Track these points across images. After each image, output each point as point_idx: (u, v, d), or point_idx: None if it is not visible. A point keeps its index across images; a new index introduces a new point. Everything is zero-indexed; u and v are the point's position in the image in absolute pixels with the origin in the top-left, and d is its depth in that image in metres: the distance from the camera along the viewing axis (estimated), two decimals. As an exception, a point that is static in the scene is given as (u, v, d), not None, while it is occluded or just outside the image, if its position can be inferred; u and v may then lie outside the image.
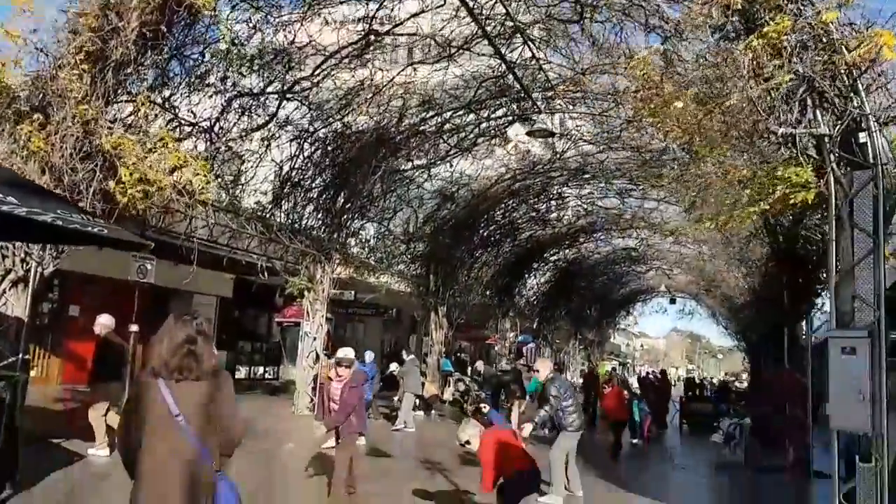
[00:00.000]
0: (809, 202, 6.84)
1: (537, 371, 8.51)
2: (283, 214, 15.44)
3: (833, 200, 6.71)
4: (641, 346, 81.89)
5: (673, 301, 42.80)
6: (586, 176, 19.88)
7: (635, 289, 41.41)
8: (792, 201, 6.86)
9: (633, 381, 28.07)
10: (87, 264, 16.68)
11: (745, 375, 69.16)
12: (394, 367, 16.82)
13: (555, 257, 29.85)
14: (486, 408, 12.93)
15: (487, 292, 27.19)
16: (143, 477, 3.34)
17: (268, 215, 15.13)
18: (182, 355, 3.44)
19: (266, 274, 15.61)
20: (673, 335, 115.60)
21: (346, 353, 7.65)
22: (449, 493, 8.42)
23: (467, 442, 5.80)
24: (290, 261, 16.08)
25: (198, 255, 13.62)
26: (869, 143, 6.60)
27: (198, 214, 12.91)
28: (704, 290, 35.16)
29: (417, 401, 16.31)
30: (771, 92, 7.13)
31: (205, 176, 11.97)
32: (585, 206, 23.51)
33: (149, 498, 3.33)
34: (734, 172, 8.91)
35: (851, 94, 6.76)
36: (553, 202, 22.68)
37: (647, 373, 45.94)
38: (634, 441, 14.95)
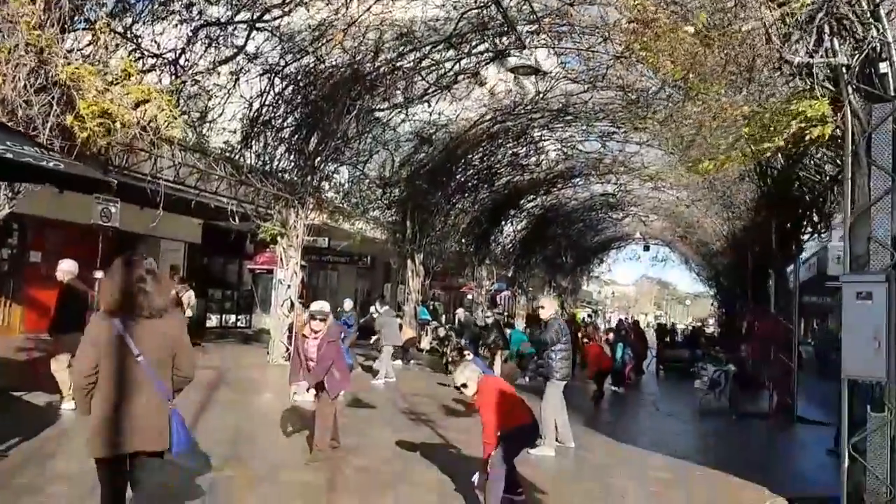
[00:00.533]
0: (826, 137, 6.38)
1: (542, 307, 8.03)
2: (253, 155, 14.64)
3: (849, 136, 6.25)
4: (613, 293, 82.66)
5: (647, 248, 42.96)
6: (568, 118, 19.28)
7: (610, 236, 41.36)
8: (808, 137, 6.39)
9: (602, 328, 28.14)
10: (47, 208, 15.85)
11: (711, 321, 70.60)
12: (374, 310, 16.28)
13: (532, 204, 29.39)
14: (469, 354, 12.58)
15: (464, 240, 26.78)
16: (104, 413, 3.49)
17: (237, 156, 14.33)
18: (133, 294, 3.55)
19: (236, 219, 14.92)
20: (643, 282, 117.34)
21: (321, 306, 7.10)
22: (435, 445, 8.07)
23: (464, 385, 5.39)
24: (261, 205, 15.35)
25: (164, 198, 12.88)
26: (890, 75, 6.13)
27: (163, 154, 12.13)
28: (680, 236, 35.21)
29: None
30: (786, 18, 6.61)
31: (170, 111, 11.23)
32: (565, 151, 22.98)
33: (109, 431, 3.47)
34: (733, 110, 8.41)
35: (872, 21, 6.25)
36: (533, 146, 22.08)
37: (621, 319, 46.46)
38: (616, 388, 14.82)
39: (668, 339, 25.66)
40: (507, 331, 16.43)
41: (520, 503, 5.65)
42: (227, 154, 14.06)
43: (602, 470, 7.25)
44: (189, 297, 17.79)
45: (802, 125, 6.39)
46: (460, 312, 20.01)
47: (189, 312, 19.33)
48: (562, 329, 8.11)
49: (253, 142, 14.46)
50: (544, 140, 21.87)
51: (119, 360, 3.53)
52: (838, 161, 9.22)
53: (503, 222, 29.23)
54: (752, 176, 15.11)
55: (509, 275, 34.40)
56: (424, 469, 6.67)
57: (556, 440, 7.83)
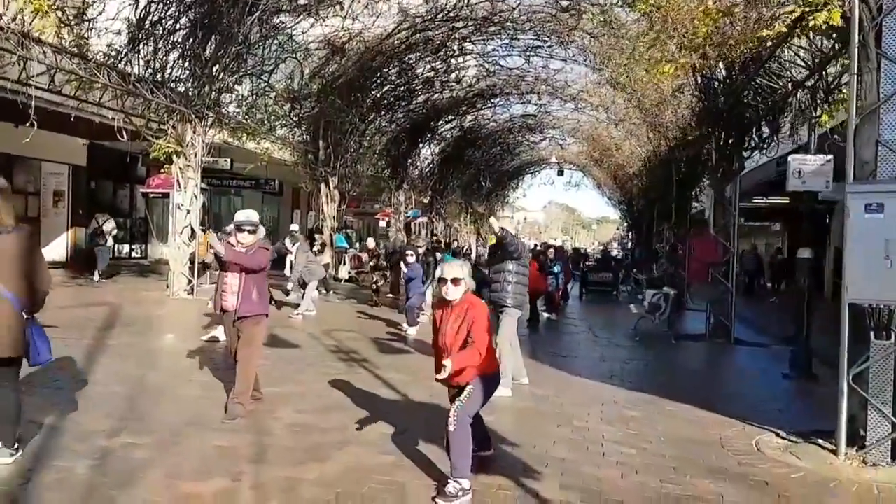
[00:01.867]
0: (829, 23, 5.49)
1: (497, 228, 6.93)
2: (142, 62, 12.59)
3: (856, 22, 5.38)
4: (525, 218, 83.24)
5: (561, 173, 42.77)
6: (492, 28, 17.96)
7: (526, 160, 40.80)
8: (810, 23, 5.48)
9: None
10: None
11: (615, 244, 72.55)
12: (289, 242, 14.80)
13: (450, 125, 28.11)
14: (411, 259, 11.57)
15: (380, 163, 25.30)
16: None
17: (123, 63, 12.26)
18: None
19: (125, 136, 12.94)
20: (551, 207, 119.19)
21: (249, 215, 5.77)
22: (377, 391, 7.06)
23: (455, 280, 4.30)
24: (153, 119, 13.40)
25: (39, 112, 10.87)
26: (904, -49, 5.26)
27: (34, 57, 10.04)
28: (595, 160, 34.99)
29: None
30: None
31: (40, 4, 9.35)
32: (487, 67, 21.72)
33: None
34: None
35: None
36: (452, 60, 20.63)
37: (535, 244, 46.54)
38: (549, 315, 14.20)
39: (586, 264, 25.52)
40: (439, 255, 15.33)
41: (488, 458, 4.73)
42: (112, 60, 11.97)
43: (567, 410, 6.44)
44: (112, 225, 17.09)
45: (806, 9, 5.48)
46: (370, 242, 18.68)
47: (110, 241, 17.49)
48: (523, 247, 7.18)
49: (141, 46, 12.39)
50: (465, 54, 20.47)
51: None
52: (811, 60, 8.52)
53: (421, 144, 27.89)
54: (689, 91, 14.49)
55: (425, 200, 33.25)
56: (370, 422, 5.63)
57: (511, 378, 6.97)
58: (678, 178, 18.75)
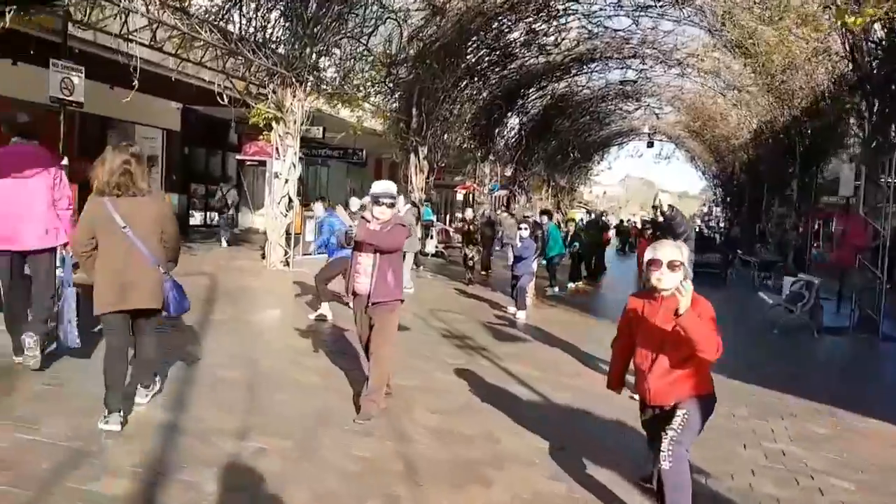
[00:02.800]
0: None
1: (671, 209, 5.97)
2: (243, 20, 12.04)
3: None
4: (604, 193, 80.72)
5: (651, 144, 40.78)
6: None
7: (614, 131, 39.04)
8: None
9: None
10: (3, 85, 13.39)
11: (698, 221, 69.43)
12: (398, 208, 13.95)
13: (542, 92, 26.82)
14: (525, 233, 10.69)
15: (468, 132, 24.34)
16: (105, 277, 4.14)
17: (224, 20, 11.74)
18: (120, 174, 4.09)
19: (224, 98, 12.49)
20: (627, 181, 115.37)
21: (387, 186, 5.02)
22: (512, 386, 6.30)
23: (676, 265, 3.36)
24: (253, 82, 12.88)
25: (139, 73, 10.47)
26: None
27: (134, 7, 9.57)
28: (694, 131, 33.04)
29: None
30: None
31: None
32: (589, 28, 20.37)
33: (111, 293, 4.13)
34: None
35: None
36: (554, 21, 19.38)
37: (622, 220, 44.82)
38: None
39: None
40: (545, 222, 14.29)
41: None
42: (213, 17, 11.45)
43: (745, 425, 5.49)
44: (234, 195, 18.33)
45: None
46: (469, 213, 17.46)
47: (232, 211, 17.85)
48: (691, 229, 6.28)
49: (243, 3, 11.82)
50: (569, 14, 19.18)
51: (108, 233, 4.11)
52: None
53: (509, 114, 26.74)
54: (830, 56, 12.96)
55: (507, 174, 32.10)
56: (517, 432, 4.86)
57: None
58: (802, 149, 17.12)
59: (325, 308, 8.52)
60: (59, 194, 5.31)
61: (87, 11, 9.53)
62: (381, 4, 14.80)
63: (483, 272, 15.89)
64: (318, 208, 9.46)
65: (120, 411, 4.23)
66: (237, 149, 22.35)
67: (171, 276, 4.43)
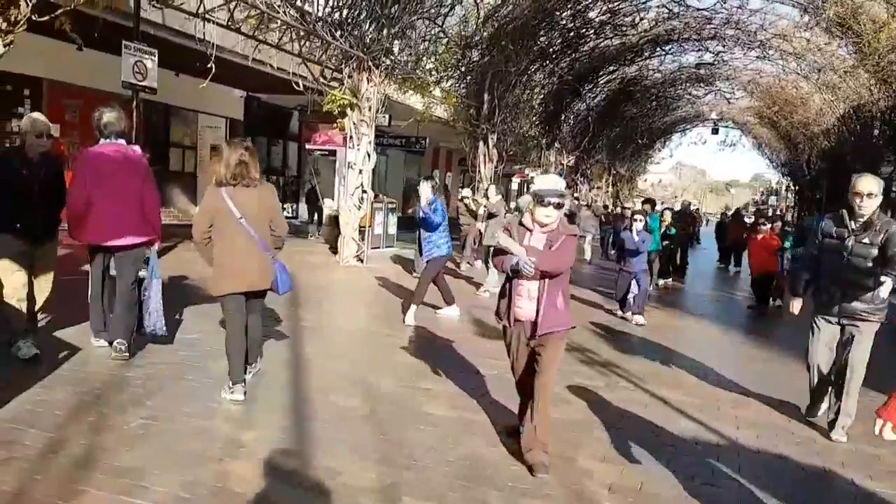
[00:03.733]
0: None
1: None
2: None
3: None
4: (659, 181, 78.28)
5: (716, 131, 39.03)
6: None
7: (679, 117, 37.36)
8: None
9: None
10: (69, 72, 12.94)
11: (749, 210, 66.98)
12: (485, 199, 12.73)
13: (612, 76, 25.52)
14: (640, 225, 9.47)
15: (534, 119, 23.21)
16: (222, 262, 4.56)
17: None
18: (236, 165, 4.47)
19: (300, 84, 11.72)
20: (678, 169, 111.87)
21: (555, 182, 4.00)
22: (672, 422, 5.32)
23: None
24: (329, 66, 12.08)
25: (207, 60, 9.74)
26: None
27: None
28: (767, 117, 31.29)
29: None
30: None
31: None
32: (669, 8, 19.05)
33: (229, 276, 4.56)
34: None
35: None
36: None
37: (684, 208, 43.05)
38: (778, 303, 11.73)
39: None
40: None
41: None
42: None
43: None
44: None
45: None
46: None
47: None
48: None
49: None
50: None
51: (225, 221, 4.51)
52: None
53: (577, 99, 25.51)
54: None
55: (567, 162, 30.81)
56: (730, 482, 3.90)
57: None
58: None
59: (410, 315, 7.68)
60: (149, 193, 5.37)
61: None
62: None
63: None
64: (427, 189, 7.90)
65: (244, 381, 4.71)
66: (298, 138, 21.72)
67: (279, 260, 4.84)
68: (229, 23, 9.74)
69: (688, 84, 29.15)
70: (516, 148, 23.79)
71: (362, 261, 12.82)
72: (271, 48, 11.86)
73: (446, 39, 15.15)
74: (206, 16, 9.31)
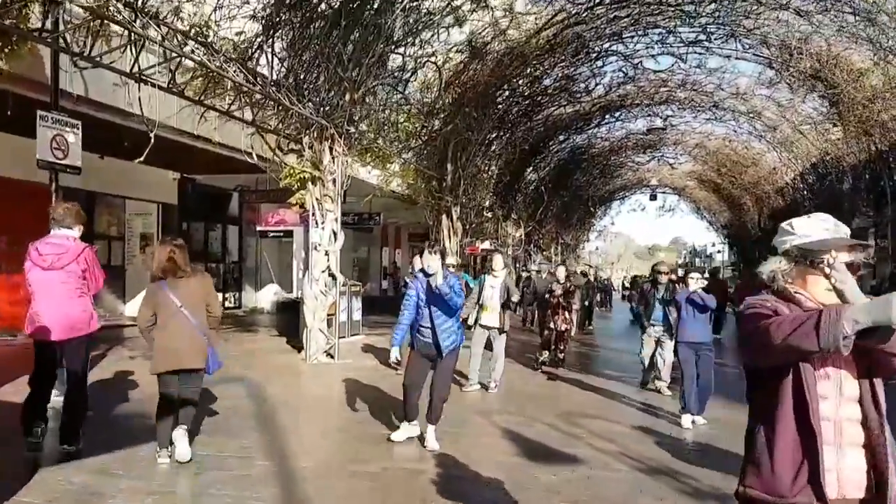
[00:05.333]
0: None
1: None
2: (274, 59, 9.77)
3: None
4: (596, 248, 78.84)
5: (654, 197, 39.46)
6: (659, 17, 14.77)
7: (619, 185, 37.44)
8: None
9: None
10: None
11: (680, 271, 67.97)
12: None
13: (562, 145, 25.02)
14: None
15: (491, 189, 22.21)
16: (163, 346, 5.11)
17: (254, 61, 9.48)
18: (166, 261, 5.08)
19: (254, 157, 10.14)
20: (606, 235, 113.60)
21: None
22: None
23: None
24: (286, 135, 10.55)
25: (137, 138, 8.10)
26: None
27: (151, 36, 7.21)
28: (714, 179, 31.45)
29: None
30: None
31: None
32: (625, 71, 18.57)
33: (168, 359, 5.10)
34: None
35: None
36: (594, 62, 17.57)
37: (636, 276, 42.82)
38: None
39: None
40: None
41: None
42: (240, 52, 9.17)
43: None
44: None
45: None
46: (561, 271, 13.09)
47: None
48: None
49: (276, 37, 9.59)
50: (608, 55, 17.35)
51: (165, 310, 5.10)
52: None
53: (530, 168, 24.80)
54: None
55: (518, 233, 29.88)
56: None
57: None
58: (893, 186, 15.18)
59: (431, 436, 5.91)
60: (91, 282, 5.54)
61: (88, 42, 7.11)
62: (420, 44, 12.72)
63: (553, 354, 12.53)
64: (435, 262, 5.93)
65: (169, 447, 5.14)
66: (239, 221, 19.93)
67: (211, 344, 5.28)
68: (170, 85, 8.11)
69: (632, 151, 29.11)
70: (475, 220, 22.69)
71: (333, 356, 10.98)
72: (215, 121, 10.32)
73: (409, 107, 13.91)
74: (143, 76, 7.65)
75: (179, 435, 5.15)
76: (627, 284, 40.35)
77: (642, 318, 9.16)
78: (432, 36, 12.59)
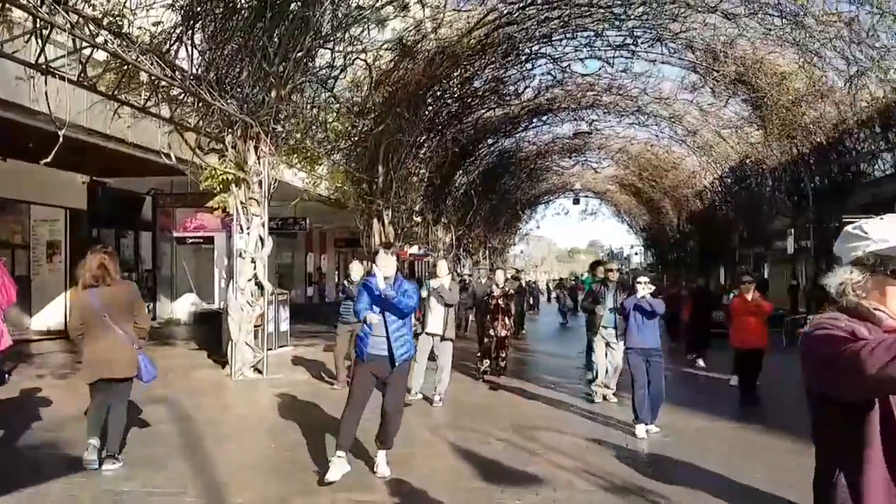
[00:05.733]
0: None
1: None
2: (194, 52, 9.03)
3: None
4: (521, 252, 79.66)
5: (577, 201, 39.99)
6: (587, 20, 14.74)
7: (543, 189, 37.76)
8: None
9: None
10: None
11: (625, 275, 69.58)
12: (437, 283, 8.65)
13: (491, 148, 24.89)
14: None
15: (421, 193, 21.78)
16: (89, 354, 5.23)
17: (172, 53, 8.71)
18: (97, 268, 5.15)
19: (172, 158, 9.37)
20: (528, 238, 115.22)
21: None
22: None
23: None
24: (207, 133, 9.81)
25: (45, 139, 7.28)
26: None
27: (59, 24, 6.39)
28: (634, 183, 32.10)
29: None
30: None
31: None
32: (554, 74, 18.53)
33: (95, 366, 5.21)
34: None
35: None
36: (524, 64, 17.46)
37: (563, 279, 43.33)
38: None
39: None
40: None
41: None
42: (156, 45, 8.40)
43: None
44: None
45: None
46: (499, 275, 12.19)
47: None
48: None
49: (195, 28, 8.86)
50: (537, 58, 17.27)
51: (92, 318, 5.18)
52: None
53: (460, 171, 24.52)
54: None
55: (453, 237, 29.53)
56: None
57: None
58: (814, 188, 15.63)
59: (382, 461, 5.36)
60: (2, 296, 5.52)
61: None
62: (350, 41, 12.17)
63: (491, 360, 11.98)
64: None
65: (98, 448, 5.22)
66: (152, 227, 18.76)
67: (143, 351, 5.41)
68: (80, 79, 7.29)
69: (558, 156, 29.32)
70: (405, 224, 22.20)
71: (261, 371, 10.28)
72: (129, 118, 9.46)
73: (338, 105, 13.32)
74: (50, 68, 6.82)
75: (108, 465, 5.20)
76: (552, 287, 40.98)
77: (594, 321, 8.91)
78: (362, 32, 12.09)
